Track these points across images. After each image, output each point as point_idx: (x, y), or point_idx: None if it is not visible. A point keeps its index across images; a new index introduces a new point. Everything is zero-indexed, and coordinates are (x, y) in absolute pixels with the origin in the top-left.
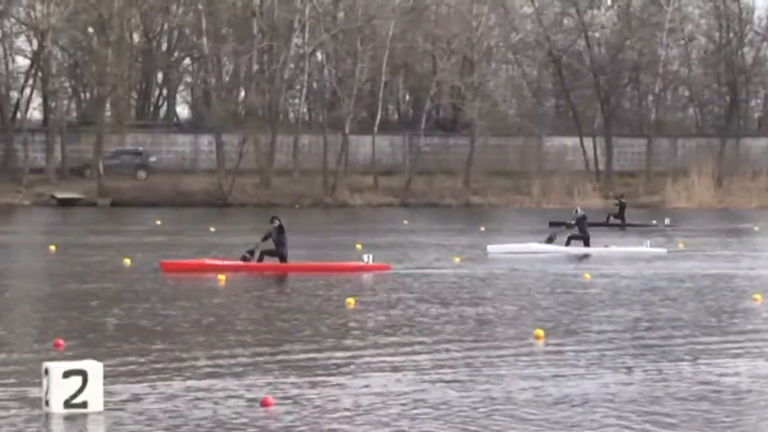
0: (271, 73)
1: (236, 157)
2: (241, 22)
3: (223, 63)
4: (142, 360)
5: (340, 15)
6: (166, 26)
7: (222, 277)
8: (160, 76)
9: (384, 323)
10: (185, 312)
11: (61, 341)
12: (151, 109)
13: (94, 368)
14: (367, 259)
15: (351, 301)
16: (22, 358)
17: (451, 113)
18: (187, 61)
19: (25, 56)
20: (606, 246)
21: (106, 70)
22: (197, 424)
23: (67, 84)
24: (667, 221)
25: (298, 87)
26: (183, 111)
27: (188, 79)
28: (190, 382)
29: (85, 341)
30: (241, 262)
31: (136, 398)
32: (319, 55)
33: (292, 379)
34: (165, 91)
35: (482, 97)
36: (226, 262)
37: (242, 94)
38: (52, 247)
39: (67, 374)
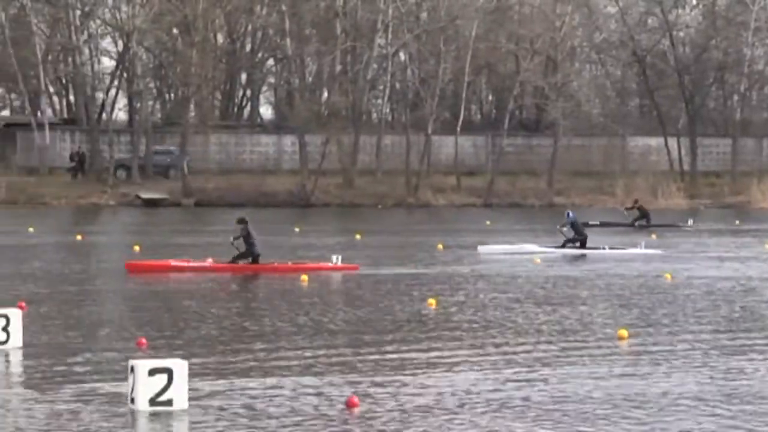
0: (354, 73)
1: (319, 158)
2: (324, 22)
3: (306, 63)
4: (226, 358)
5: (423, 15)
6: (250, 27)
7: (305, 277)
8: (243, 76)
9: (467, 323)
10: (270, 311)
11: (144, 340)
12: (235, 109)
13: (180, 366)
14: (336, 260)
15: (432, 301)
16: (107, 357)
17: (534, 113)
18: (271, 61)
19: (111, 57)
20: (602, 248)
21: (191, 70)
22: (281, 423)
23: (151, 85)
24: (690, 222)
25: (381, 87)
26: (266, 112)
27: (272, 79)
28: (274, 381)
29: (168, 340)
30: (207, 264)
31: (220, 396)
32: (402, 56)
33: (376, 378)
34: (249, 92)
35: (566, 97)
36: (191, 264)
37: (325, 94)
38: (137, 248)
39: (152, 372)
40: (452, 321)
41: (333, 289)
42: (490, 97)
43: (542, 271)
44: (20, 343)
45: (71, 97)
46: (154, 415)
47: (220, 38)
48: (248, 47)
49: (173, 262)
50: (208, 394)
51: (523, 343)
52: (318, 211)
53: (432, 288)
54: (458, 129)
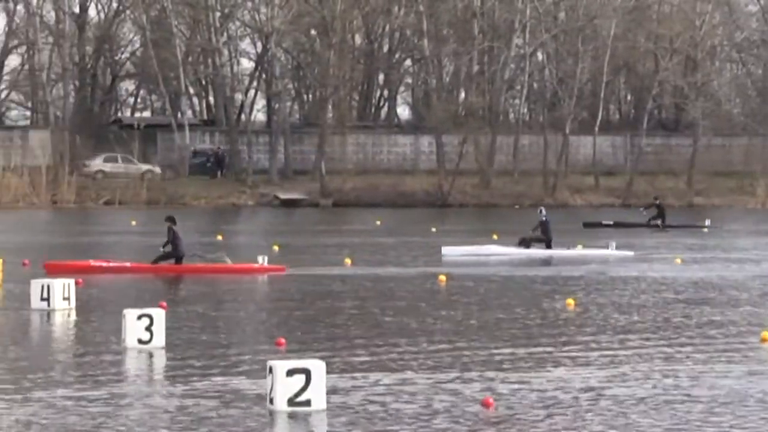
0: (491, 73)
1: (456, 158)
2: (461, 23)
3: (443, 64)
4: (363, 359)
5: (561, 15)
6: (387, 28)
7: (443, 277)
8: (381, 77)
9: (604, 322)
10: (404, 310)
11: (282, 340)
12: (372, 110)
13: (317, 367)
14: (262, 260)
15: (571, 301)
16: (246, 356)
17: (673, 113)
18: (408, 62)
19: (250, 59)
20: (569, 248)
21: (329, 72)
22: (418, 423)
23: (290, 86)
24: (707, 222)
25: (519, 87)
26: (404, 112)
27: (409, 80)
28: (409, 380)
29: (307, 340)
30: (128, 265)
31: (358, 397)
32: (539, 55)
33: (511, 377)
34: (386, 92)
35: (705, 97)
36: (111, 264)
37: (462, 94)
38: (276, 247)
39: (290, 372)
40: (590, 320)
41: (470, 288)
42: (629, 97)
43: (682, 272)
44: (163, 343)
45: (211, 99)
46: (292, 416)
47: (357, 39)
48: (386, 48)
49: (93, 263)
50: (345, 393)
51: (652, 344)
52: (455, 211)
53: (571, 288)
54: (596, 129)
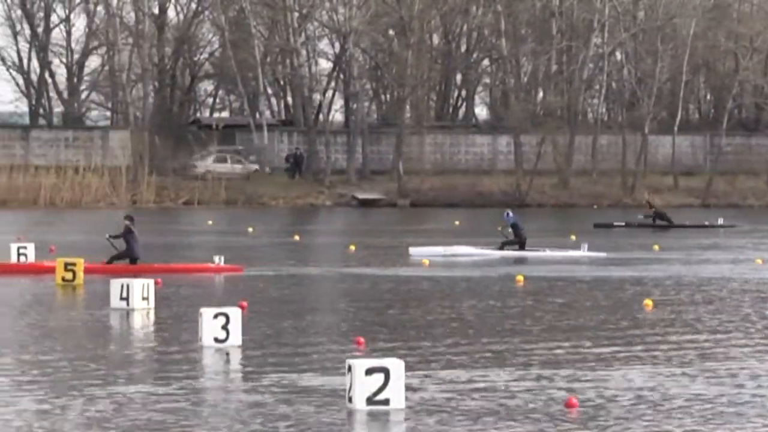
0: (569, 73)
1: (534, 158)
2: (540, 22)
3: (521, 63)
4: (441, 357)
5: (641, 14)
6: (465, 27)
7: (520, 277)
8: (459, 77)
9: (682, 323)
10: (482, 309)
11: (361, 339)
12: (450, 110)
13: (396, 366)
14: (218, 260)
15: (649, 302)
16: (325, 354)
17: (753, 112)
18: (486, 61)
19: (328, 59)
20: (542, 250)
21: (407, 71)
22: (498, 423)
23: (368, 86)
24: (720, 221)
25: (597, 87)
26: (481, 112)
27: (487, 80)
28: (489, 380)
29: (385, 339)
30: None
31: (436, 395)
32: (618, 55)
33: (595, 376)
34: (464, 92)
35: None
36: (46, 264)
37: (540, 94)
38: (352, 247)
39: (369, 371)
40: (668, 321)
41: (548, 288)
42: (709, 96)
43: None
44: (239, 341)
45: (289, 99)
46: (371, 415)
47: (435, 39)
48: (464, 47)
49: (47, 263)
50: (424, 392)
51: (750, 342)
52: (533, 211)
53: (650, 290)
54: (675, 128)
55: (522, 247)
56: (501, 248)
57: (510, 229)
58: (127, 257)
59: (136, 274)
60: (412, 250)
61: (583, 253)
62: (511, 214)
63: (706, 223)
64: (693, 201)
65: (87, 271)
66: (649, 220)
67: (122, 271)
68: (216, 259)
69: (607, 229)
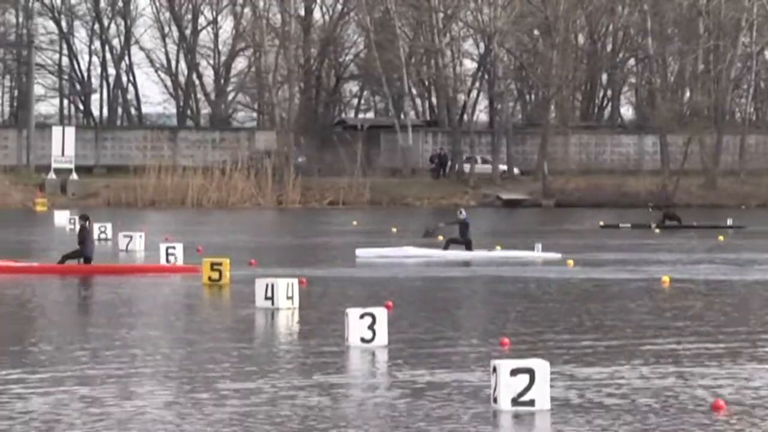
0: (717, 72)
1: (681, 158)
2: (686, 21)
3: (668, 63)
4: (586, 359)
5: None
6: (611, 27)
7: (666, 278)
8: (604, 77)
9: None
10: (627, 311)
11: (506, 340)
12: (596, 110)
13: (541, 367)
14: (173, 260)
15: None
16: (468, 356)
17: None
18: (632, 61)
19: (472, 59)
20: (490, 250)
21: (552, 71)
22: (644, 426)
23: (512, 86)
24: (729, 221)
25: (745, 86)
26: (627, 112)
27: (633, 79)
28: (634, 379)
29: (529, 339)
30: (35, 265)
31: (581, 396)
32: (767, 54)
33: (735, 375)
34: (609, 92)
35: None
36: (18, 264)
37: (687, 94)
38: (498, 247)
39: (514, 372)
40: None
41: (695, 290)
42: None
43: None
44: (385, 341)
45: (433, 99)
46: (516, 416)
47: (581, 39)
48: (609, 47)
49: (1, 263)
50: (569, 394)
51: None
52: (679, 211)
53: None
54: None
55: (468, 248)
56: (446, 248)
57: (442, 225)
58: (80, 257)
59: (87, 274)
60: (358, 251)
61: (536, 253)
62: (464, 213)
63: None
64: None
65: (39, 270)
66: (671, 220)
67: (76, 271)
68: (171, 259)
69: (612, 230)
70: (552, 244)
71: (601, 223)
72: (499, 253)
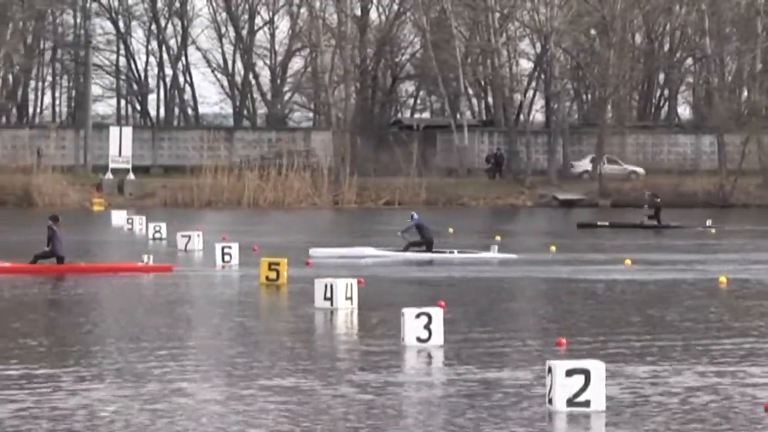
0: None
1: (738, 158)
2: (744, 20)
3: (726, 62)
4: (643, 360)
5: None
6: (668, 26)
7: (723, 279)
8: (661, 76)
9: None
10: (685, 311)
11: (563, 340)
12: (653, 109)
13: (597, 368)
14: (147, 259)
15: None
16: (525, 356)
17: None
18: (690, 60)
19: (529, 59)
20: (450, 252)
21: (608, 71)
22: (704, 426)
23: (569, 86)
24: (708, 222)
25: None
26: (684, 111)
27: (690, 79)
28: (689, 379)
29: (585, 339)
30: (7, 265)
31: (637, 398)
32: None
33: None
34: (666, 92)
35: None
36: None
37: (745, 93)
38: (553, 248)
39: (570, 373)
40: None
41: (754, 290)
42: None
43: None
44: (441, 341)
45: (489, 99)
46: (571, 416)
47: (638, 38)
48: (666, 46)
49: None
50: (625, 395)
51: None
52: (737, 212)
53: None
54: None
55: (429, 249)
56: (406, 250)
57: (407, 233)
58: (52, 257)
59: (61, 273)
60: (312, 251)
61: (493, 255)
62: (415, 216)
63: (697, 226)
64: None
65: (11, 271)
66: (651, 219)
67: (49, 271)
68: (144, 258)
69: (589, 229)
70: (608, 245)
71: (578, 223)
72: (456, 255)
